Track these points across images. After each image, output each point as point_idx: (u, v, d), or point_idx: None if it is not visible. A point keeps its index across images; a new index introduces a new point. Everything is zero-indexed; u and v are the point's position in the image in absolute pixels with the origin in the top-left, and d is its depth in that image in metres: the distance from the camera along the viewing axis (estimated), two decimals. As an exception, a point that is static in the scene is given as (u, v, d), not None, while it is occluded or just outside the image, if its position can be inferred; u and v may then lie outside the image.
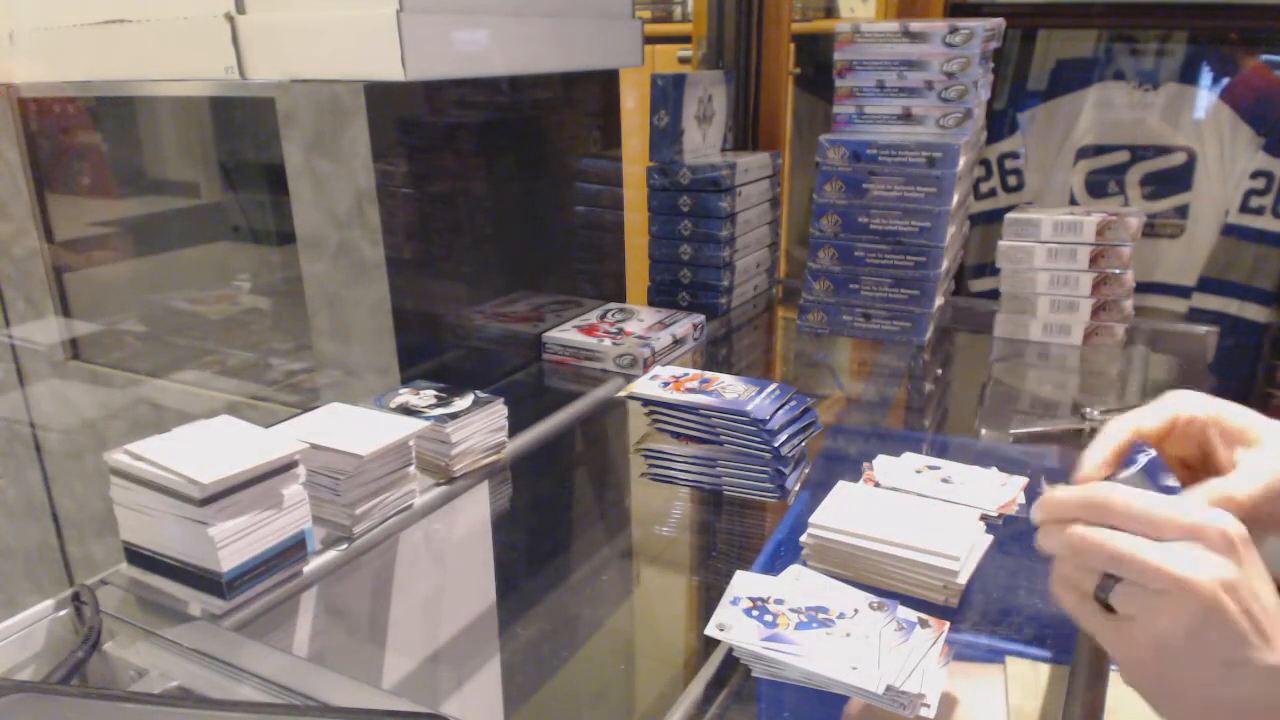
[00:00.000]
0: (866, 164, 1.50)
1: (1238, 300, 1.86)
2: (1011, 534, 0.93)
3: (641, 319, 1.55)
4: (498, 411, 1.11)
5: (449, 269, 1.33)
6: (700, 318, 1.58)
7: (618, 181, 1.66)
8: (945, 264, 1.54)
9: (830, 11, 2.60)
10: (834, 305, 1.59)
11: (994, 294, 1.56)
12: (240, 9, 1.18)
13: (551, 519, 1.24)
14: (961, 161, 1.50)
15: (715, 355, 1.60)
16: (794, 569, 0.87)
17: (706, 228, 1.66)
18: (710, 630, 0.77)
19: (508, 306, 1.47)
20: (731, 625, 0.77)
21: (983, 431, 1.32)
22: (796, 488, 1.08)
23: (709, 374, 1.17)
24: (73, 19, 1.34)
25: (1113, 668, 0.72)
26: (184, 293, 1.62)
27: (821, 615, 0.78)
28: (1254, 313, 1.85)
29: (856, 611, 0.78)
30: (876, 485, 1.00)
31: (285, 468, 0.87)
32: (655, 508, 1.19)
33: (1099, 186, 1.96)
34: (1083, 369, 1.45)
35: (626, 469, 1.25)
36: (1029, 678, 0.81)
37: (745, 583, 0.83)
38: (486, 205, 1.38)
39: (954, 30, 1.48)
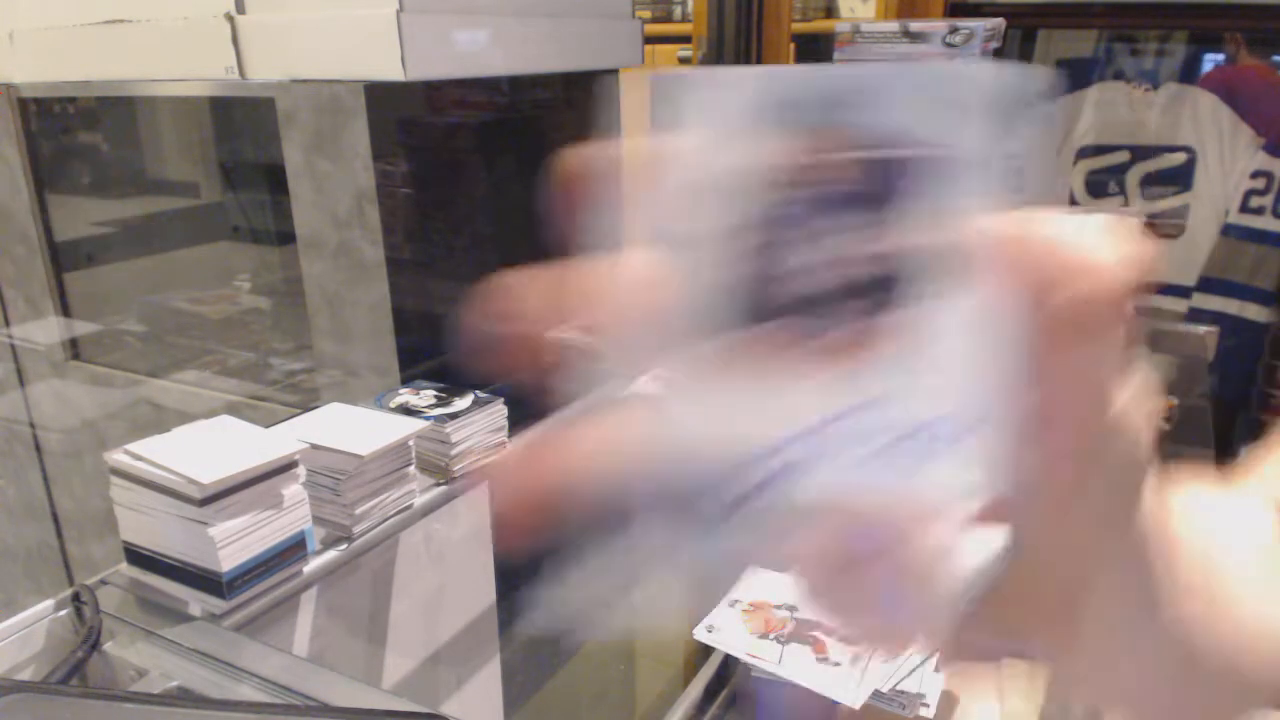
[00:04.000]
0: (866, 164, 1.49)
1: (1238, 300, 1.86)
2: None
3: (641, 319, 1.55)
4: (498, 411, 1.11)
5: (449, 269, 1.33)
6: (700, 318, 1.57)
7: (618, 181, 1.66)
8: (945, 264, 1.54)
9: (830, 11, 2.60)
10: (834, 305, 1.58)
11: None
12: (240, 9, 1.18)
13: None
14: (961, 161, 1.49)
15: (715, 355, 1.59)
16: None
17: (706, 228, 1.65)
18: (698, 632, 0.77)
19: (508, 306, 1.46)
20: (721, 628, 0.77)
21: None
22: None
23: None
24: (73, 19, 1.34)
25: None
26: (184, 293, 1.62)
27: (816, 630, 0.77)
28: (1254, 312, 1.85)
29: None
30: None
31: (285, 468, 0.87)
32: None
33: (1099, 186, 1.96)
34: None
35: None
36: (1027, 679, 0.81)
37: (752, 581, 0.83)
38: (486, 205, 1.38)
39: (954, 30, 1.48)
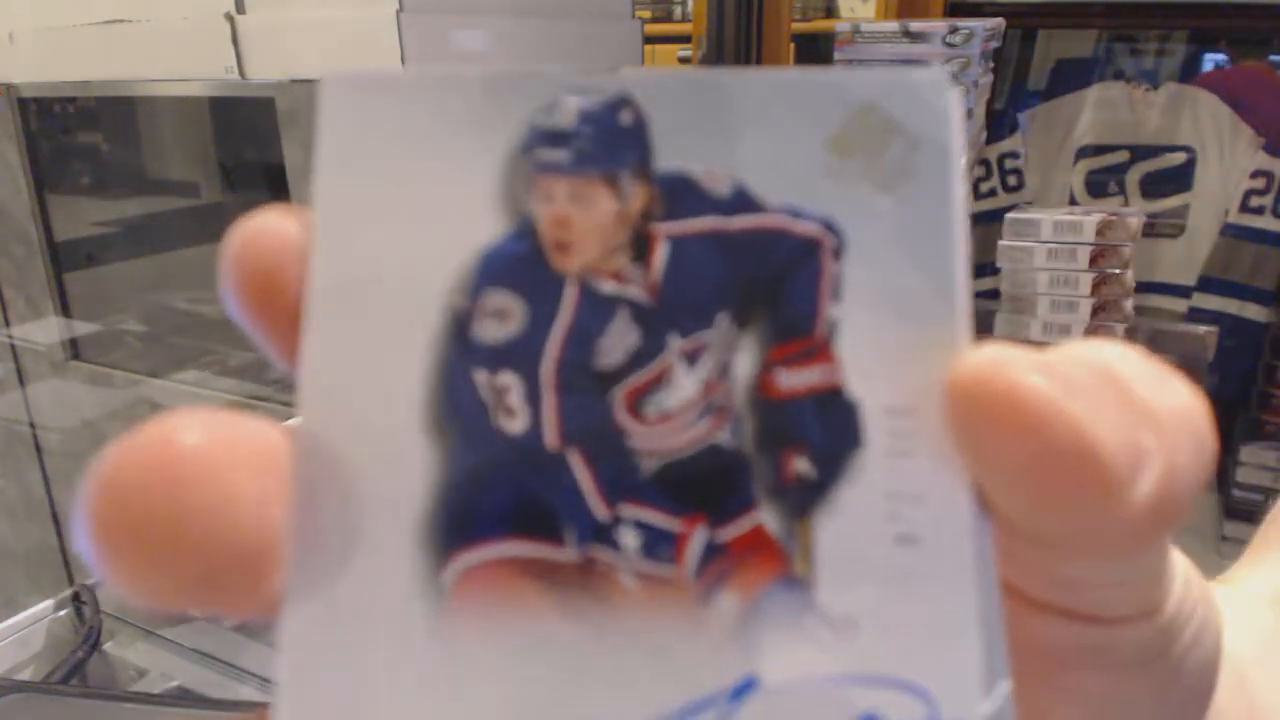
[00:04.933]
0: (866, 164, 1.49)
1: (1238, 300, 1.85)
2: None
3: (641, 319, 1.54)
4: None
5: (449, 269, 1.33)
6: (700, 318, 1.57)
7: (618, 181, 1.65)
8: (945, 264, 1.54)
9: (830, 11, 2.60)
10: (834, 305, 1.58)
11: (994, 294, 1.56)
12: (240, 9, 1.18)
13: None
14: (962, 161, 1.49)
15: (715, 355, 1.59)
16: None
17: (706, 228, 1.65)
18: None
19: (508, 306, 1.46)
20: None
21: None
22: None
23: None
24: (72, 19, 1.33)
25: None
26: (184, 293, 1.61)
27: None
28: (1254, 312, 1.85)
29: None
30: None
31: (286, 467, 0.87)
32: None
33: (1099, 186, 1.95)
34: (1083, 369, 1.45)
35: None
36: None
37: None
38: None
39: (954, 30, 1.48)
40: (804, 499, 0.13)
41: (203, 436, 0.13)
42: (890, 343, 0.14)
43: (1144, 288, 1.73)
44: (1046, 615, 0.15)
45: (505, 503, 0.13)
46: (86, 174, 1.67)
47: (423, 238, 0.14)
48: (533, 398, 0.14)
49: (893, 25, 1.52)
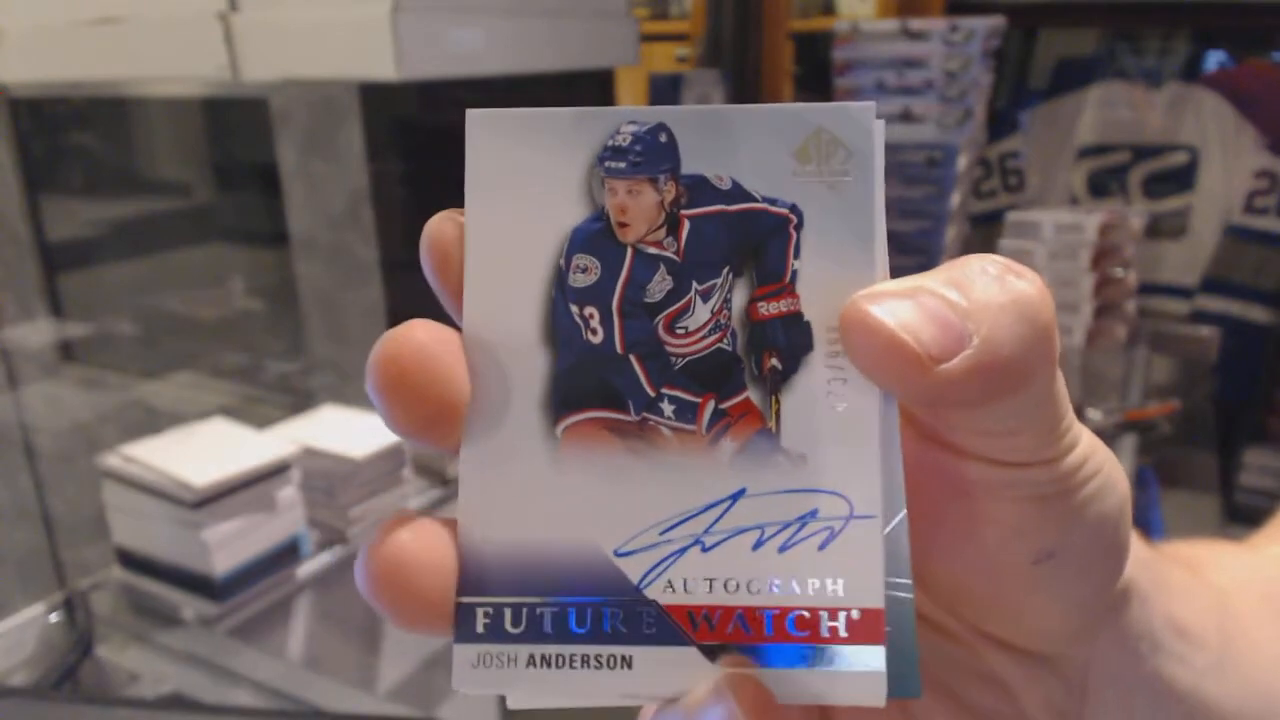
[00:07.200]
0: (866, 164, 1.49)
1: (1241, 301, 1.84)
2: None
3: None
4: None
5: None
6: (699, 319, 1.56)
7: (615, 182, 1.65)
8: (945, 265, 1.53)
9: (829, 9, 2.59)
10: (833, 306, 1.57)
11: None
12: (234, 8, 1.17)
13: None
14: (961, 161, 1.48)
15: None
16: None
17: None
18: None
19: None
20: None
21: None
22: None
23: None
24: (63, 17, 1.32)
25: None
26: (177, 294, 1.61)
27: None
28: (1257, 314, 1.84)
29: None
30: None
31: (279, 470, 0.86)
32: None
33: (1101, 186, 1.95)
34: (1085, 371, 1.45)
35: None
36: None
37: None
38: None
39: (954, 29, 1.47)
40: (775, 382, 0.21)
41: (427, 334, 0.20)
42: (831, 284, 0.20)
43: (1146, 289, 1.72)
44: (969, 460, 0.21)
45: (592, 386, 0.21)
46: (78, 175, 1.66)
47: (535, 220, 0.21)
48: (606, 321, 0.21)
49: (892, 24, 1.51)
